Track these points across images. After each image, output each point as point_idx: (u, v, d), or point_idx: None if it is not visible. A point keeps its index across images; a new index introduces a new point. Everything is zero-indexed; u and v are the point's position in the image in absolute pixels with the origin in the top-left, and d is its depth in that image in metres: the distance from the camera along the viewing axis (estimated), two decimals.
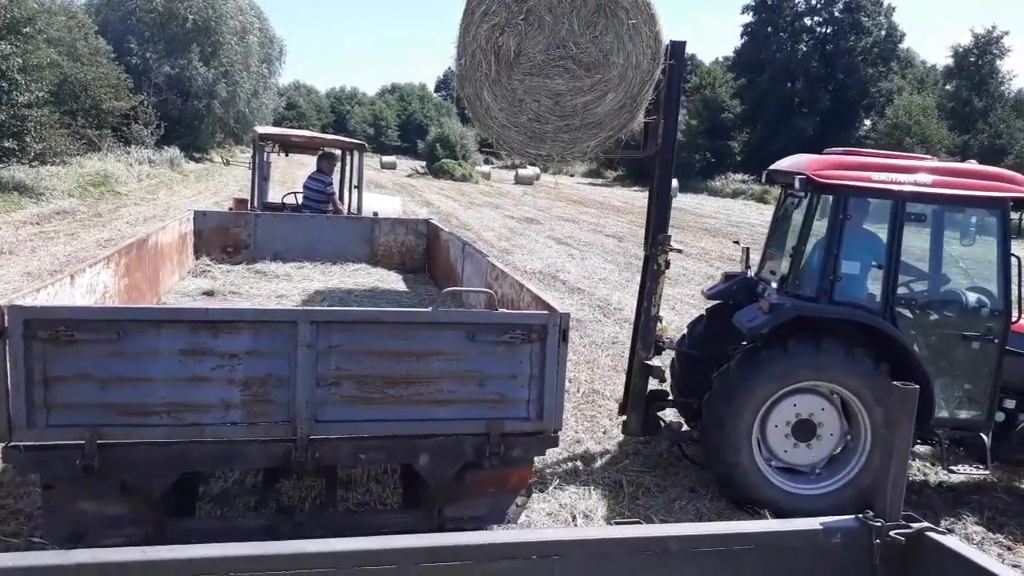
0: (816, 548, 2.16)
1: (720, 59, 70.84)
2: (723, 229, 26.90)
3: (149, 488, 3.52)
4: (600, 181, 64.06)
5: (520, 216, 27.63)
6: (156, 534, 3.58)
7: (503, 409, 3.83)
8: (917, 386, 2.22)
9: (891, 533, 2.13)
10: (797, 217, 5.87)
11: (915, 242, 5.74)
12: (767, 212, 37.78)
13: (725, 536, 2.15)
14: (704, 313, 6.65)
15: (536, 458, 4.29)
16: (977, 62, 51.35)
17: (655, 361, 5.91)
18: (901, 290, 5.51)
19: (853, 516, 2.21)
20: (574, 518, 5.16)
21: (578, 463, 6.06)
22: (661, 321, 6.00)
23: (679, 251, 6.17)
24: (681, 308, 12.23)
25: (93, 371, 3.37)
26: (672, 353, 6.56)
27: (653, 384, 6.05)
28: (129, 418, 3.44)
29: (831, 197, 5.40)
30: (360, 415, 3.70)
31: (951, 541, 2.09)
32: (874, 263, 5.52)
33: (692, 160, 56.27)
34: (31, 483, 4.77)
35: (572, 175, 73.54)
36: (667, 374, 6.07)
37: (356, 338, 3.66)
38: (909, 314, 5.54)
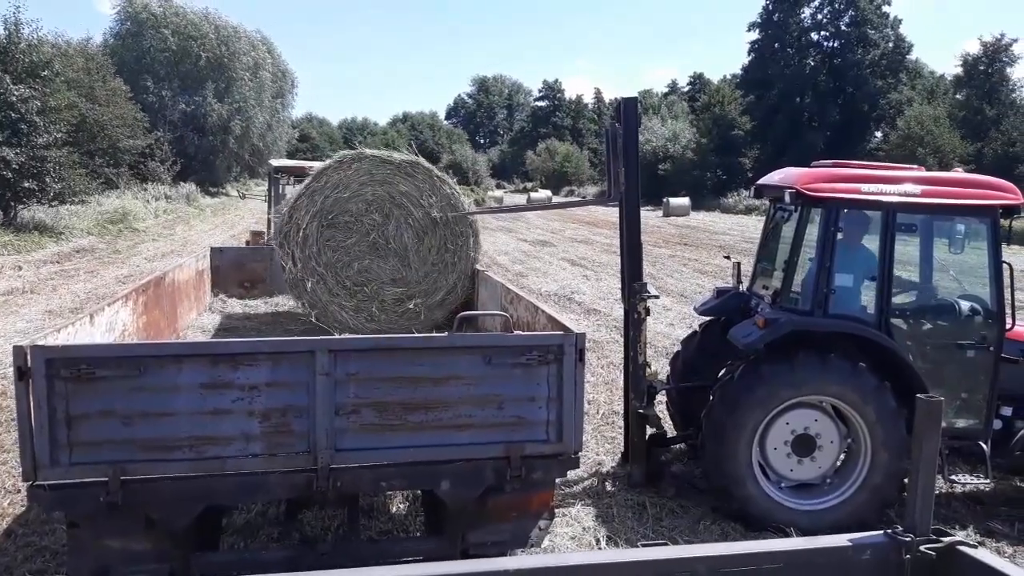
0: (845, 565, 2.12)
1: (728, 77, 71.05)
2: (737, 246, 26.79)
3: (173, 523, 3.52)
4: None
5: (533, 239, 27.67)
6: (180, 569, 3.57)
7: (522, 432, 3.82)
8: (941, 399, 2.19)
9: (921, 548, 2.10)
10: (788, 231, 5.85)
11: (907, 252, 5.70)
12: None
13: (753, 555, 2.12)
14: (696, 330, 6.63)
15: (558, 481, 4.26)
16: (987, 70, 51.12)
17: (650, 405, 5.88)
18: (895, 301, 5.48)
19: (882, 532, 2.18)
20: (598, 541, 5.11)
21: (600, 485, 6.01)
22: (649, 367, 5.96)
23: (656, 297, 6.18)
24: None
25: (115, 408, 3.40)
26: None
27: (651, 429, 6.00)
28: (151, 453, 3.46)
29: (821, 210, 5.39)
30: (380, 443, 3.69)
31: (983, 554, 2.06)
32: (867, 275, 5.49)
33: (703, 178, 56.23)
34: (56, 520, 4.79)
35: (584, 197, 73.72)
36: (660, 423, 6.04)
37: (373, 366, 3.67)
38: (903, 325, 5.51)
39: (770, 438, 5.28)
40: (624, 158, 5.72)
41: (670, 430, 6.44)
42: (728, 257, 7.19)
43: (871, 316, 5.38)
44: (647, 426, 5.88)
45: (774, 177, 6.08)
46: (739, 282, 6.45)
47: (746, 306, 6.06)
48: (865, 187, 5.30)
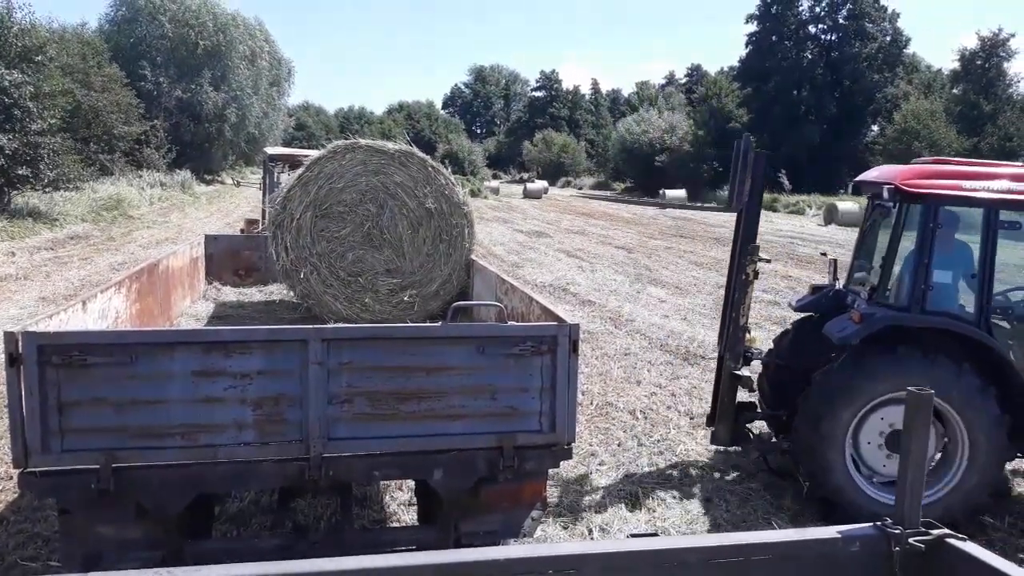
0: (835, 557, 2.13)
1: (726, 69, 70.91)
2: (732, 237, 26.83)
3: (165, 510, 3.52)
4: (608, 193, 64.13)
5: (529, 230, 27.66)
6: (173, 556, 3.57)
7: (515, 422, 3.82)
8: (932, 391, 2.19)
9: (910, 540, 2.10)
10: (886, 228, 5.78)
11: (1010, 250, 5.65)
12: (776, 220, 37.72)
13: (743, 547, 2.13)
14: (791, 326, 6.58)
15: (551, 471, 4.28)
16: (984, 65, 51.17)
17: (743, 371, 5.88)
18: (996, 299, 5.38)
19: (871, 524, 2.18)
20: (590, 532, 5.13)
21: (593, 476, 6.03)
22: (749, 332, 5.96)
23: (767, 261, 6.18)
24: (693, 318, 12.18)
25: (107, 395, 3.39)
26: (756, 364, 6.45)
27: (742, 395, 6.03)
28: (143, 441, 3.45)
29: (921, 207, 5.32)
30: (373, 432, 3.69)
31: (972, 548, 2.06)
32: (966, 272, 5.42)
33: (700, 170, 56.23)
34: (48, 507, 4.79)
35: (581, 187, 73.68)
36: (755, 386, 6.03)
37: (367, 355, 3.67)
38: (1006, 324, 5.41)
39: (864, 432, 5.27)
40: (753, 171, 5.83)
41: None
42: (824, 254, 7.11)
43: (970, 314, 5.30)
44: (739, 388, 5.88)
45: (872, 173, 6.05)
46: (835, 279, 6.39)
47: (842, 303, 6.01)
48: (966, 184, 5.24)
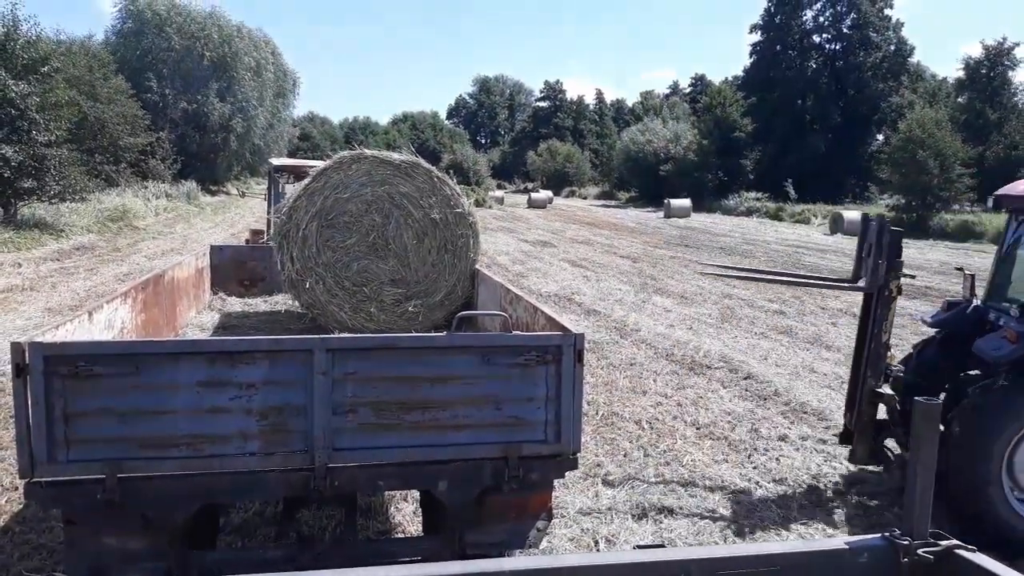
0: (842, 568, 2.12)
1: (730, 78, 71.06)
2: (738, 247, 26.81)
3: (170, 521, 3.51)
4: (612, 203, 64.17)
5: (534, 239, 27.68)
6: (177, 567, 3.57)
7: (520, 432, 3.81)
8: (940, 402, 2.18)
9: (919, 551, 2.09)
10: None
11: None
12: (782, 229, 37.66)
13: (749, 558, 2.12)
14: (923, 341, 6.45)
15: (556, 482, 4.26)
16: (989, 74, 51.13)
17: (884, 389, 5.78)
18: None
19: (880, 535, 2.17)
20: (596, 543, 5.10)
21: (599, 487, 6.00)
22: (889, 350, 5.85)
23: (912, 276, 6.06)
24: (698, 328, 12.16)
25: (113, 405, 3.39)
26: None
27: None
28: (149, 451, 3.45)
29: None
30: (377, 442, 3.68)
31: (981, 559, 2.05)
32: None
33: (705, 179, 56.24)
34: (53, 518, 4.78)
35: (585, 197, 73.74)
36: (896, 403, 5.88)
37: (372, 365, 3.66)
38: None
39: (1020, 454, 5.12)
40: (888, 254, 5.67)
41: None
42: (960, 269, 6.90)
43: None
44: (880, 406, 5.78)
45: (1017, 187, 5.90)
46: (972, 295, 6.23)
47: (983, 320, 5.87)
48: None
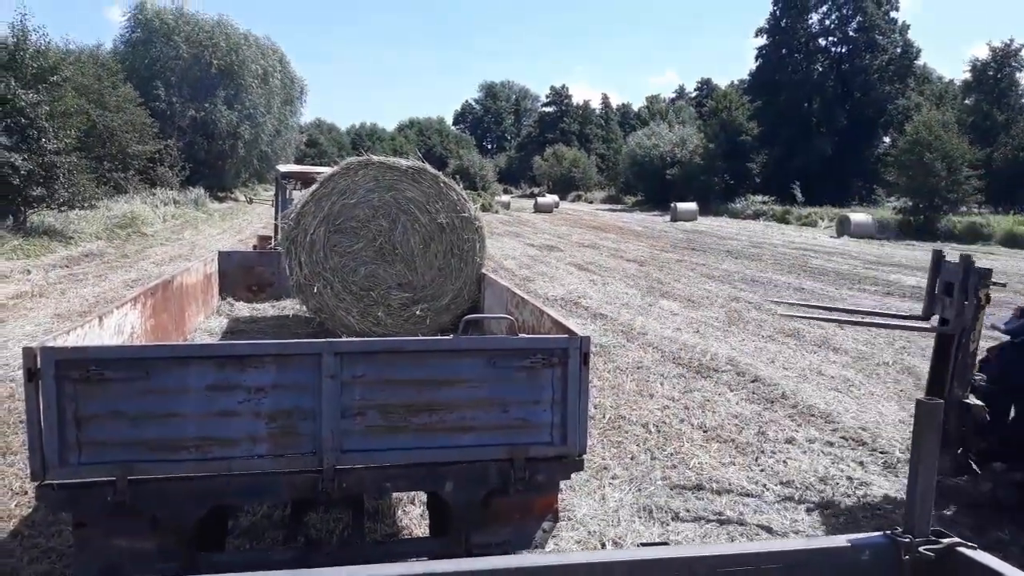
0: (844, 565, 2.13)
1: (736, 82, 71.05)
2: (745, 251, 26.78)
3: (180, 522, 3.55)
4: (619, 207, 64.17)
5: (540, 244, 27.71)
6: (187, 569, 3.60)
7: (526, 434, 3.83)
8: (942, 400, 2.20)
9: (920, 549, 2.10)
10: None
11: None
12: (789, 232, 37.58)
13: (752, 556, 2.13)
14: (997, 347, 6.30)
15: (563, 485, 4.28)
16: (996, 75, 51.01)
17: (972, 399, 5.67)
18: None
19: (881, 533, 2.19)
20: (603, 546, 5.12)
21: (606, 490, 6.02)
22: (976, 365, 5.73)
23: (1003, 285, 5.98)
24: (705, 331, 12.16)
25: (123, 409, 3.43)
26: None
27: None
28: (159, 454, 3.49)
29: None
30: (385, 444, 3.71)
31: (983, 556, 2.06)
32: None
33: (711, 183, 56.21)
34: (62, 522, 4.82)
35: (591, 201, 73.75)
36: (986, 415, 5.74)
37: (379, 368, 3.69)
38: None
39: None
40: (972, 295, 5.57)
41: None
42: (1004, 285, 6.67)
43: None
44: (969, 416, 5.68)
45: None
46: None
47: None
48: None
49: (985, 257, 26.50)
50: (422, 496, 5.22)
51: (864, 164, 56.52)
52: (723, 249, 27.13)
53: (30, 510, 5.24)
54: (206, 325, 8.06)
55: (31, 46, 22.21)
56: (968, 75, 53.14)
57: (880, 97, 59.06)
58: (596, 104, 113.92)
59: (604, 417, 7.72)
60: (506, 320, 4.87)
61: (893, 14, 61.16)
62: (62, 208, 22.67)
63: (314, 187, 7.83)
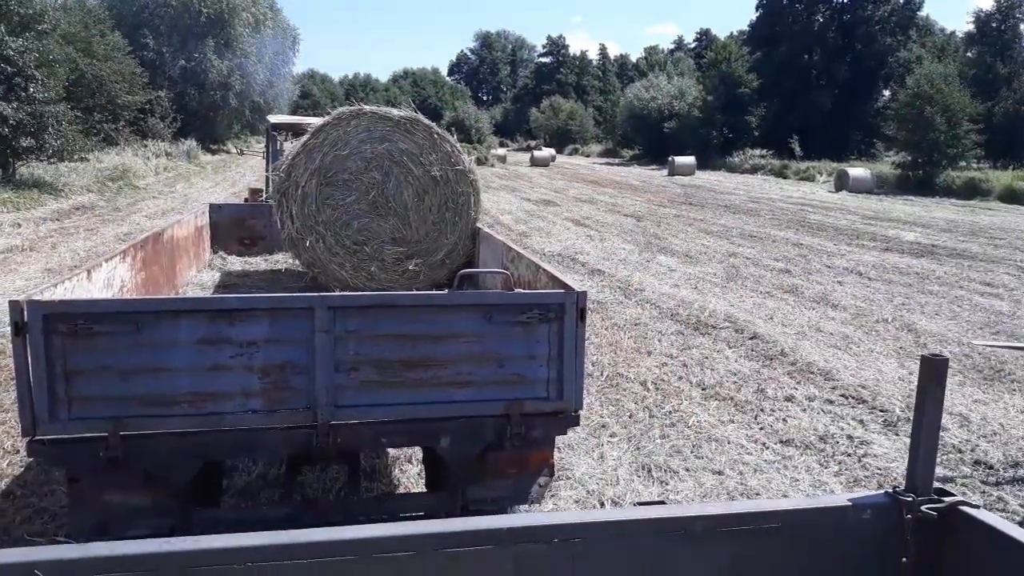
0: (845, 525, 2.11)
1: (735, 33, 69.94)
2: (743, 206, 26.64)
3: (173, 478, 3.54)
4: (616, 160, 63.66)
5: (537, 198, 27.52)
6: (182, 525, 3.59)
7: (522, 389, 3.81)
8: (947, 357, 2.15)
9: (922, 508, 2.07)
10: None
11: None
12: (787, 187, 37.42)
13: (751, 515, 2.11)
14: None
15: (561, 444, 4.27)
16: (1000, 27, 50.24)
17: None
18: None
19: (883, 492, 2.16)
20: (602, 504, 5.12)
21: (604, 448, 6.01)
22: None
23: None
24: (703, 287, 12.12)
25: (113, 363, 3.38)
26: None
27: None
28: (151, 409, 3.45)
29: None
30: (380, 399, 3.68)
31: (986, 515, 2.03)
32: None
33: (709, 136, 55.69)
34: (54, 482, 4.80)
35: (588, 155, 73.16)
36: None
37: (373, 323, 3.64)
38: None
39: None
40: None
41: None
42: None
43: None
44: None
45: None
46: None
47: None
48: None
49: (983, 213, 26.44)
50: (419, 454, 5.21)
51: (863, 118, 55.98)
52: (721, 204, 26.98)
53: (22, 469, 5.22)
54: (198, 279, 7.98)
55: None
56: (971, 27, 52.34)
57: (881, 49, 58.24)
58: (594, 55, 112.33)
59: (602, 375, 7.71)
60: (502, 275, 4.81)
61: None
62: (52, 160, 22.35)
63: (305, 138, 7.69)
